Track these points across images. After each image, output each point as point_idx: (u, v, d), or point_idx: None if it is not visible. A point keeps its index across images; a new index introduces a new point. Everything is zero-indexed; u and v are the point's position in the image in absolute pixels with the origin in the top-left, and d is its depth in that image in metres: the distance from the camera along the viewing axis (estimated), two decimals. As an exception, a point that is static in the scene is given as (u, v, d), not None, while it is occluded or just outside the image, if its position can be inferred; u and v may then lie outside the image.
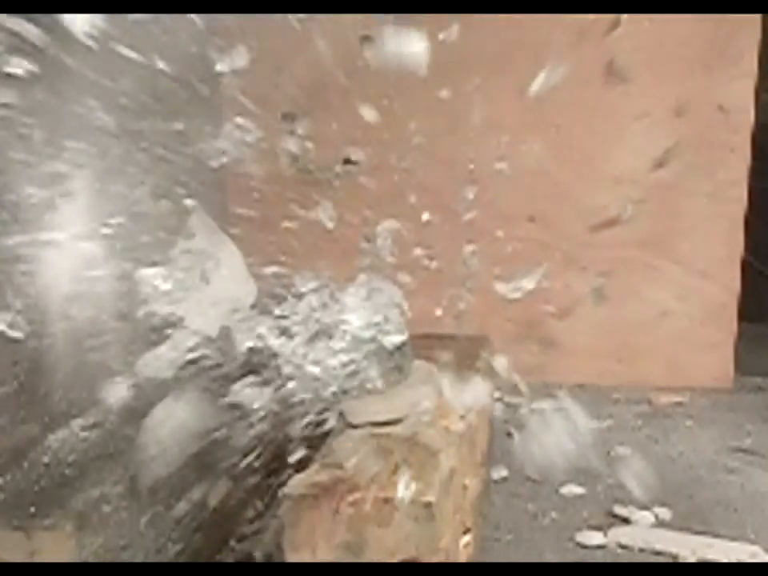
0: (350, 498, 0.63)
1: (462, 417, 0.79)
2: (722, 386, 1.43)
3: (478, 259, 1.45)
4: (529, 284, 1.31)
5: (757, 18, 1.32)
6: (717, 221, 1.40)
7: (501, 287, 1.33)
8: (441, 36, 1.36)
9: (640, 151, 1.40)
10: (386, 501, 0.63)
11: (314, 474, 0.68)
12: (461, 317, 1.46)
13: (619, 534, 0.93)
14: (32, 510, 0.78)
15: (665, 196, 1.41)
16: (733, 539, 0.90)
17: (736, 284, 1.41)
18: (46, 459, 0.84)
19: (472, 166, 1.43)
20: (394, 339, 0.89)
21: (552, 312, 1.46)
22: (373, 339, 0.87)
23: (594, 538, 0.93)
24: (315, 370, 0.85)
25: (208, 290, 0.91)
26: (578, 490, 1.05)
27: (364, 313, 0.89)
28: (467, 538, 0.79)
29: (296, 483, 0.66)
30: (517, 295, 1.28)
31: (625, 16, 1.33)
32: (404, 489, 0.63)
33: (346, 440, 0.75)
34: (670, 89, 1.37)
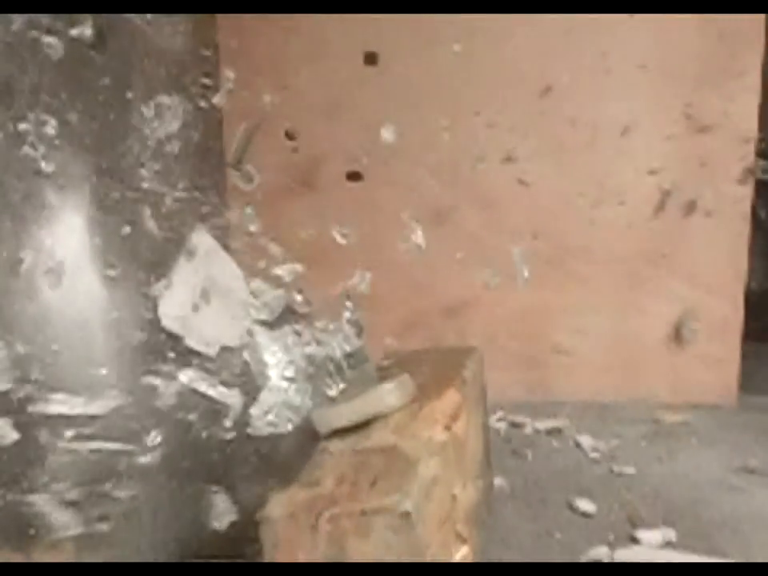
0: (328, 514, 0.62)
1: (448, 428, 0.78)
2: (726, 402, 1.42)
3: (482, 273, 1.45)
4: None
5: (761, 33, 1.32)
6: (721, 237, 1.39)
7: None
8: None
9: (644, 166, 1.40)
10: (364, 513, 0.62)
11: (292, 494, 0.67)
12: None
13: (625, 554, 0.92)
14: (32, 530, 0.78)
15: (669, 211, 1.40)
16: (738, 558, 0.89)
17: (740, 301, 1.41)
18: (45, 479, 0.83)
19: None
20: (345, 349, 0.89)
21: (556, 328, 1.46)
22: (318, 358, 0.88)
23: (600, 558, 0.92)
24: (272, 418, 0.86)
25: (208, 309, 0.91)
26: (585, 507, 1.04)
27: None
28: (464, 549, 0.79)
29: (274, 504, 0.66)
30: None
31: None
32: None
33: (326, 458, 0.75)
34: (675, 105, 1.37)
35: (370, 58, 1.41)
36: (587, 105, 1.39)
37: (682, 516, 1.01)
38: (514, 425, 1.36)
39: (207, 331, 0.91)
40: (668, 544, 0.95)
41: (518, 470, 1.18)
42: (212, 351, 0.90)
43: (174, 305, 0.89)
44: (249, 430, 0.87)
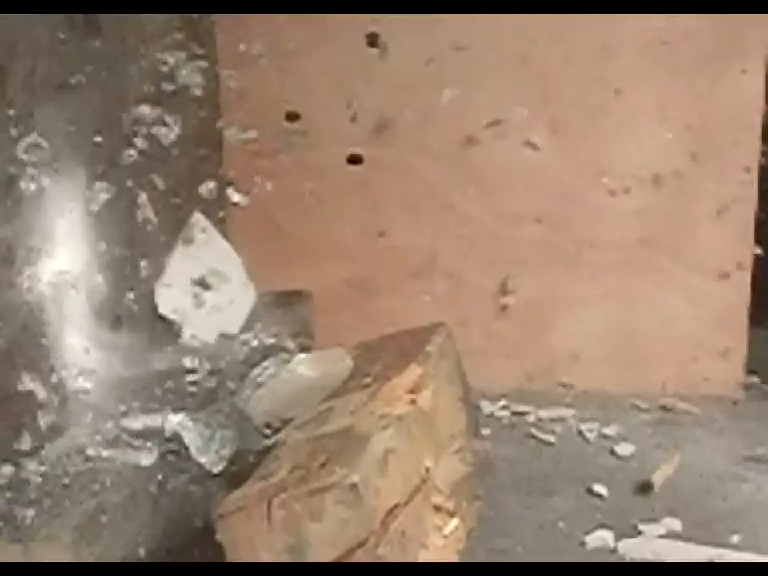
0: (278, 500, 0.62)
1: (413, 402, 0.77)
2: (732, 392, 1.40)
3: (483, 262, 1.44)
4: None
5: (765, 16, 1.30)
6: (727, 223, 1.38)
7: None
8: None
9: (648, 151, 1.38)
10: (312, 493, 0.62)
11: (244, 490, 0.67)
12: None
13: (629, 546, 0.91)
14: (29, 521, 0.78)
15: (673, 197, 1.38)
16: (744, 549, 0.88)
17: (747, 288, 1.39)
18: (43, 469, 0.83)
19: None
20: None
21: (560, 316, 1.44)
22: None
23: (603, 549, 0.91)
24: None
25: (207, 297, 0.91)
26: (588, 496, 1.04)
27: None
28: (454, 522, 0.78)
29: (227, 503, 0.66)
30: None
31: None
32: None
33: (282, 450, 0.75)
34: (677, 88, 1.35)
35: (372, 40, 1.38)
36: (588, 89, 1.37)
37: (687, 506, 1.01)
38: (518, 413, 1.35)
39: (205, 319, 0.90)
40: (673, 534, 0.94)
41: (521, 458, 1.17)
42: (210, 338, 0.89)
43: (171, 292, 0.88)
44: (214, 471, 0.87)
